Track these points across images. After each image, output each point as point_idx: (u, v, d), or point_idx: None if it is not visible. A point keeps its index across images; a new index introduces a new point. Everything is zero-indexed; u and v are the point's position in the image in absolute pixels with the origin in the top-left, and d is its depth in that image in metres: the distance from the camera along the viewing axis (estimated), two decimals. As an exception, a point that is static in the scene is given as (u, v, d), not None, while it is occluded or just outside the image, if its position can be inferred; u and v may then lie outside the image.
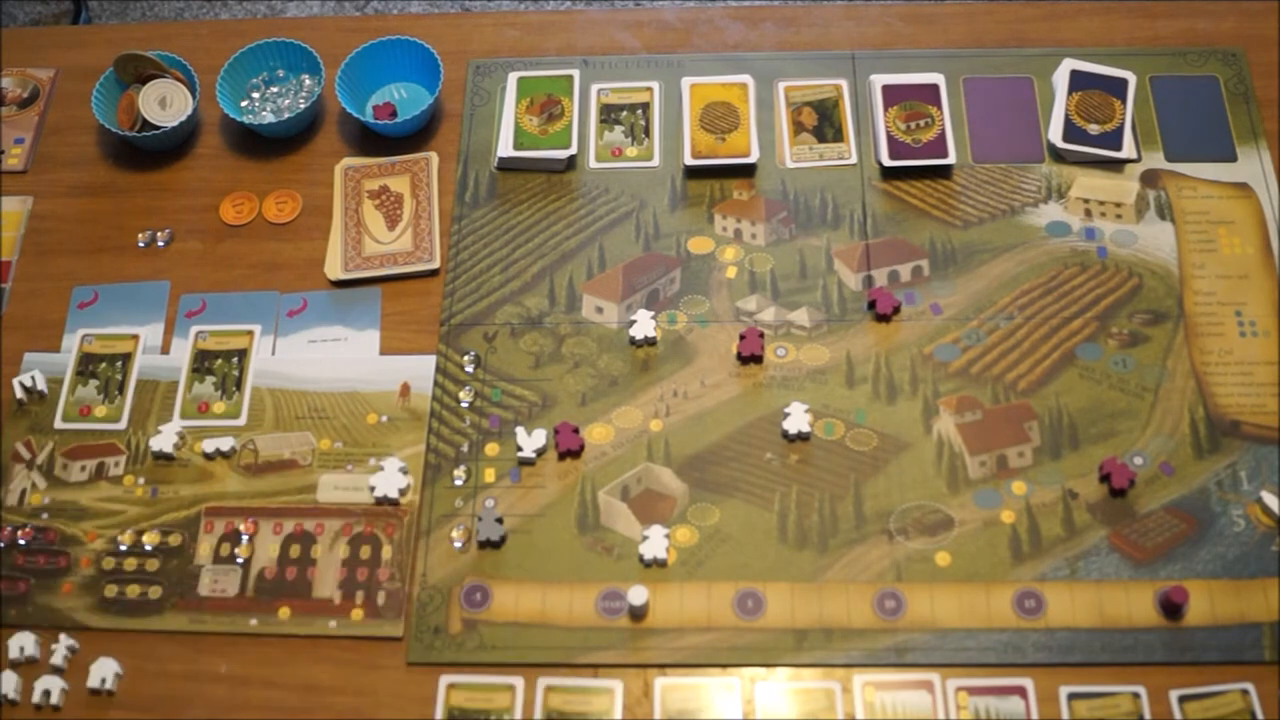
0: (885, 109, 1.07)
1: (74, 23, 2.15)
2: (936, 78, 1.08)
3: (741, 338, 0.97)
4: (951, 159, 1.04)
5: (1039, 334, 0.97)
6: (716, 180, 1.06)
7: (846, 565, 0.88)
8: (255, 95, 1.12)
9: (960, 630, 0.85)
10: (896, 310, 0.98)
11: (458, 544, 0.90)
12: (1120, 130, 1.05)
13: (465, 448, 0.94)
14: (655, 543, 0.89)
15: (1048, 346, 0.96)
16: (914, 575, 0.87)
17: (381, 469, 0.92)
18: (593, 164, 1.07)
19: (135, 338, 1.00)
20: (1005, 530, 0.89)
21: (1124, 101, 1.06)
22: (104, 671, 0.86)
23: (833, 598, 0.87)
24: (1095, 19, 1.14)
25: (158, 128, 1.08)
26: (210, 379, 0.98)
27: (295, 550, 0.91)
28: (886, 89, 1.08)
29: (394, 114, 1.09)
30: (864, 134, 1.07)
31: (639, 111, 1.10)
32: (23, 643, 0.87)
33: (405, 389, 0.97)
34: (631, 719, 0.83)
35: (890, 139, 1.05)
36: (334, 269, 1.02)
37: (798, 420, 0.93)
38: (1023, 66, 1.10)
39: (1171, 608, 0.85)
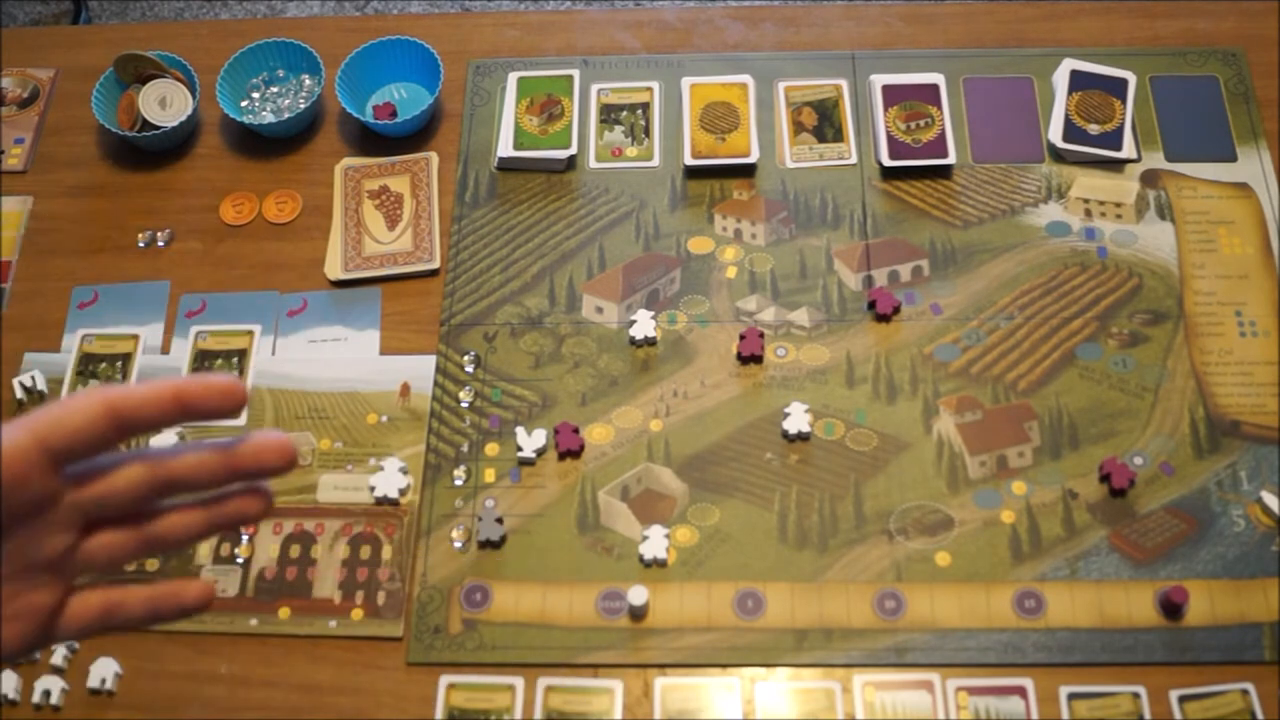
0: (885, 109, 1.06)
1: (74, 23, 2.15)
2: (936, 78, 1.08)
3: (741, 338, 0.97)
4: (951, 159, 1.04)
5: (1039, 334, 0.97)
6: (716, 180, 1.06)
7: (846, 565, 0.88)
8: (255, 95, 1.12)
9: (960, 630, 0.85)
10: (896, 310, 0.98)
11: (458, 544, 0.90)
12: (1120, 130, 1.05)
13: (465, 448, 0.94)
14: (655, 543, 0.89)
15: (1048, 346, 0.96)
16: (914, 575, 0.87)
17: (381, 469, 0.92)
18: (593, 164, 1.07)
19: (135, 338, 1.00)
20: (1005, 530, 0.89)
21: (1124, 101, 1.06)
22: (104, 671, 0.86)
23: (833, 598, 0.87)
24: (1095, 19, 1.14)
25: (158, 128, 1.08)
26: (210, 379, 0.98)
27: (295, 550, 0.91)
28: (886, 89, 1.08)
29: (394, 114, 1.09)
30: (864, 134, 1.07)
31: (639, 111, 1.10)
32: (23, 643, 0.87)
33: (405, 389, 0.97)
34: (631, 719, 0.83)
35: (890, 139, 1.05)
36: (334, 269, 1.02)
37: (798, 420, 0.92)
38: (1023, 66, 1.10)
39: (1171, 608, 0.85)
